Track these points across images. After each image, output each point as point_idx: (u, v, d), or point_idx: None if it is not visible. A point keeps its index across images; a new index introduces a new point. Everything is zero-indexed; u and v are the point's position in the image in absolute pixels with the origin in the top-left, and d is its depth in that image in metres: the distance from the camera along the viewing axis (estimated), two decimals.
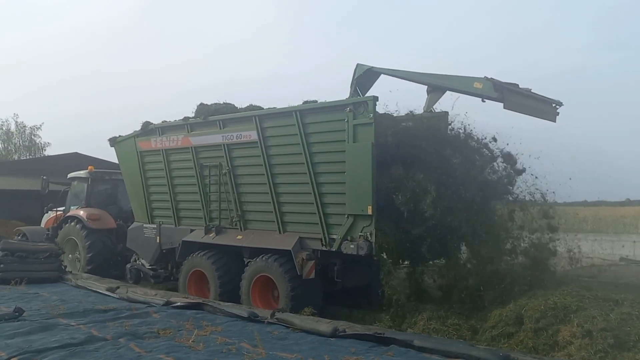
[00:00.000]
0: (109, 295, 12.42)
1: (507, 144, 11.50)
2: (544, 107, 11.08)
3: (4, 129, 53.08)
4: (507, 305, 9.49)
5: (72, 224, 17.41)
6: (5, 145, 53.36)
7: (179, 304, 11.07)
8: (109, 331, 8.91)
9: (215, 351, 7.90)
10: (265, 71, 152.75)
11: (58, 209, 18.91)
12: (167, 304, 11.16)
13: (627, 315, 8.23)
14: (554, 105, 11.25)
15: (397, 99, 12.30)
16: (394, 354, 7.88)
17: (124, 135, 15.40)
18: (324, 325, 9.11)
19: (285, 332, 9.07)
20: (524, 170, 11.59)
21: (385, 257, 11.07)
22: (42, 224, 19.62)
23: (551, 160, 10.86)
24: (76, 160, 29.53)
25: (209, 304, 10.96)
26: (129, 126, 14.73)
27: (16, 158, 50.05)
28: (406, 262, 11.90)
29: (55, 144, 58.03)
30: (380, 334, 8.62)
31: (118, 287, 12.79)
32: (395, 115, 11.82)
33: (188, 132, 13.58)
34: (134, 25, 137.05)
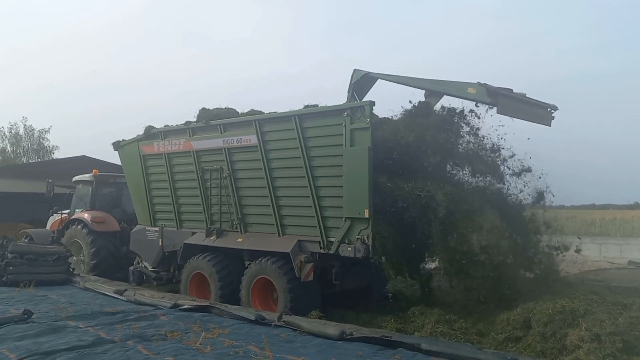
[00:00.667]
0: (116, 298, 12.50)
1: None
2: (538, 112, 11.16)
3: (12, 132, 53.59)
4: (514, 309, 9.48)
5: (77, 226, 17.64)
6: (14, 148, 53.76)
7: (186, 306, 11.14)
8: (117, 333, 8.96)
9: (223, 354, 7.92)
10: (271, 70, 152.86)
11: (63, 211, 19.13)
12: (175, 306, 11.21)
13: (636, 319, 8.22)
14: (549, 109, 11.34)
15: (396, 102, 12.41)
16: (402, 358, 7.86)
17: (127, 139, 15.61)
18: (332, 328, 9.11)
19: (292, 335, 9.07)
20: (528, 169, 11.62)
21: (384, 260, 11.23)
22: (48, 227, 19.84)
23: (558, 162, 10.92)
24: (84, 163, 29.72)
25: (217, 306, 10.98)
26: (137, 126, 14.92)
27: (25, 161, 50.39)
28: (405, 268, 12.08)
29: (62, 144, 58.49)
30: (388, 337, 8.59)
31: (126, 290, 12.88)
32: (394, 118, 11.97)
33: (190, 136, 13.76)
34: (137, 25, 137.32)
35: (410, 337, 9.12)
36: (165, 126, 14.53)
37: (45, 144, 54.12)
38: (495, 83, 10.30)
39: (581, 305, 8.80)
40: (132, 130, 15.91)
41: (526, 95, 10.88)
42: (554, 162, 11.08)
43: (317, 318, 10.40)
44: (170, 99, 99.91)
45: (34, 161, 49.62)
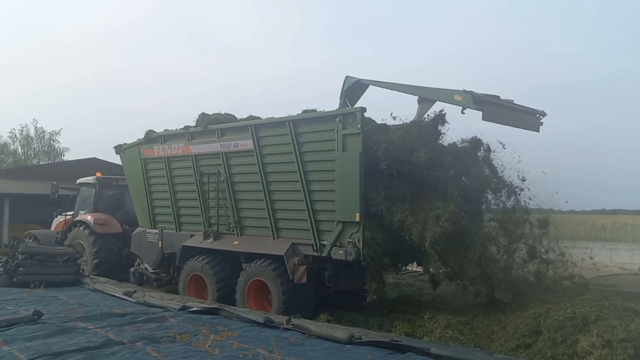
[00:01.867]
0: (126, 299, 12.67)
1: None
2: (526, 118, 11.27)
3: (23, 134, 54.14)
4: (525, 315, 9.42)
5: (80, 228, 17.94)
6: (25, 150, 54.28)
7: (195, 308, 11.25)
8: (126, 335, 9.08)
9: (232, 356, 8.00)
10: (274, 72, 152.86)
11: (67, 213, 19.45)
12: (184, 308, 11.34)
13: None
14: (537, 115, 11.48)
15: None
16: None
17: (128, 142, 15.90)
18: (340, 331, 9.17)
19: (301, 339, 9.14)
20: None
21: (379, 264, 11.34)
22: (52, 228, 20.20)
23: (569, 167, 10.87)
24: (94, 165, 29.89)
25: (225, 309, 11.08)
26: (146, 127, 15.13)
27: (35, 163, 50.77)
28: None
29: (73, 146, 58.88)
30: (397, 341, 8.63)
31: (135, 292, 13.06)
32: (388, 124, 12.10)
33: (188, 140, 14.01)
34: (146, 27, 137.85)
35: (419, 341, 9.19)
36: (165, 130, 14.80)
37: (56, 146, 54.72)
38: (497, 87, 10.43)
39: (592, 311, 8.69)
40: (141, 131, 16.15)
41: (514, 102, 11.02)
42: (565, 167, 11.04)
43: (325, 321, 10.60)
44: (180, 100, 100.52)
45: (44, 163, 50.01)
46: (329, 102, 12.18)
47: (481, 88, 10.54)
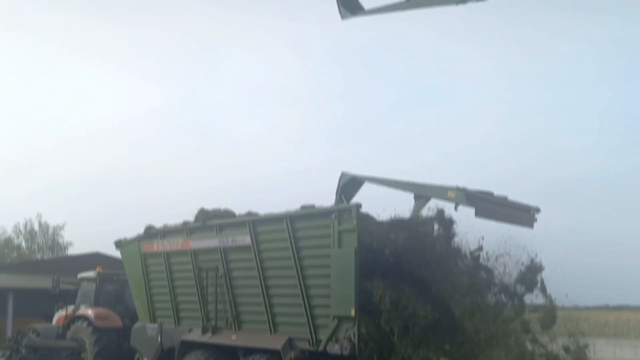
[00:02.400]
0: None
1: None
2: (519, 214, 11.46)
3: (27, 228, 54.53)
4: None
5: (81, 322, 17.99)
6: (29, 244, 54.57)
7: None
8: None
9: None
10: (278, 168, 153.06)
11: (68, 307, 19.51)
12: None
13: None
14: (531, 212, 11.70)
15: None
16: None
17: (129, 237, 16.14)
18: None
19: None
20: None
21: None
22: (54, 322, 20.18)
23: (572, 263, 10.96)
24: (97, 260, 29.94)
25: None
26: (149, 223, 15.40)
27: (39, 257, 50.94)
28: None
29: (76, 240, 58.92)
30: None
31: None
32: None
33: (187, 236, 14.26)
34: (149, 124, 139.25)
35: None
36: (164, 226, 15.10)
37: (60, 241, 54.99)
38: (501, 184, 10.60)
39: None
40: (143, 226, 16.61)
41: (507, 198, 11.26)
42: (567, 263, 11.19)
43: None
44: (184, 194, 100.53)
45: (48, 258, 50.13)
46: (332, 198, 12.41)
47: (485, 185, 10.83)
